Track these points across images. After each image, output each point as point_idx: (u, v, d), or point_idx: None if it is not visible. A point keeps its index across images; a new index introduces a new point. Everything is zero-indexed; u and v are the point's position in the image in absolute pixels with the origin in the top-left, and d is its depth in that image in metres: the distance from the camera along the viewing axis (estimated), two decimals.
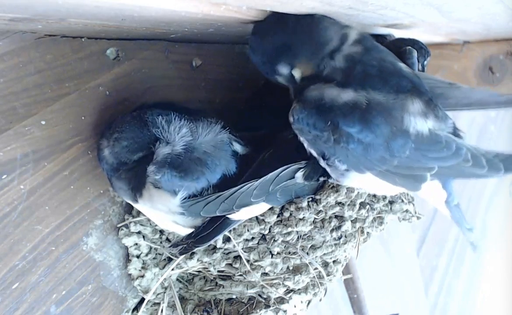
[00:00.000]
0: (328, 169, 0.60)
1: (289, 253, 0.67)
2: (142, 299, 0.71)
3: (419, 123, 0.56)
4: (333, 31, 0.58)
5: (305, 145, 0.60)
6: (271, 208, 0.64)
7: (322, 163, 0.60)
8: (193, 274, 0.73)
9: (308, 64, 0.59)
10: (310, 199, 0.64)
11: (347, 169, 0.59)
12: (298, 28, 0.57)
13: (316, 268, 0.68)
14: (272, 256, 0.66)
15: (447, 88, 0.62)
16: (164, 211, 0.59)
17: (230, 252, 0.68)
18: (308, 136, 0.58)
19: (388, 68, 0.58)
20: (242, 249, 0.66)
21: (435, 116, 0.57)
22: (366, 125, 0.55)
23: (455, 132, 0.60)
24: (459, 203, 0.66)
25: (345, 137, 0.56)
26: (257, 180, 0.58)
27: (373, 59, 0.59)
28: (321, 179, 0.63)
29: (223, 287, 0.70)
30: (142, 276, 0.70)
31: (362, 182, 0.61)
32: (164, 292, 0.71)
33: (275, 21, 0.56)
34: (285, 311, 0.68)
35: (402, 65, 0.60)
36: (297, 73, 0.60)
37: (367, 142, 0.55)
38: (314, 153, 0.60)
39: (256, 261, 0.66)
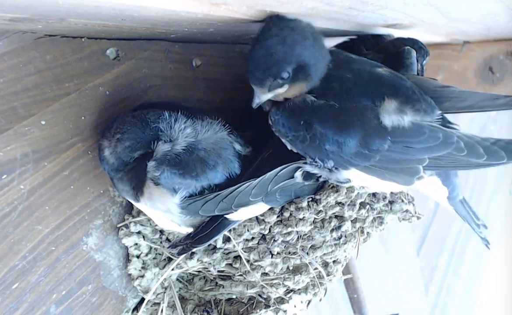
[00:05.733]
0: (316, 171, 0.60)
1: (289, 253, 0.67)
2: (142, 299, 0.71)
3: (395, 118, 0.55)
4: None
5: (288, 147, 0.60)
6: (271, 208, 0.63)
7: (308, 167, 0.60)
8: (193, 274, 0.73)
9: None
10: (310, 199, 0.64)
11: (335, 167, 0.59)
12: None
13: (316, 268, 0.68)
14: (272, 256, 0.66)
15: (440, 91, 0.61)
16: (164, 210, 0.59)
17: (230, 252, 0.68)
18: (287, 138, 0.59)
19: (364, 79, 0.58)
20: (242, 249, 0.66)
21: (414, 110, 0.56)
22: (338, 126, 0.55)
23: (444, 123, 0.58)
24: (465, 198, 0.65)
25: (319, 135, 0.56)
26: (256, 179, 0.58)
27: (347, 72, 0.58)
28: (321, 179, 0.63)
29: (223, 287, 0.70)
30: (142, 276, 0.70)
31: (353, 178, 0.61)
32: (164, 292, 0.71)
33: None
34: (285, 311, 0.68)
35: (380, 70, 0.60)
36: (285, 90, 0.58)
37: (341, 141, 0.55)
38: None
39: (256, 261, 0.66)
